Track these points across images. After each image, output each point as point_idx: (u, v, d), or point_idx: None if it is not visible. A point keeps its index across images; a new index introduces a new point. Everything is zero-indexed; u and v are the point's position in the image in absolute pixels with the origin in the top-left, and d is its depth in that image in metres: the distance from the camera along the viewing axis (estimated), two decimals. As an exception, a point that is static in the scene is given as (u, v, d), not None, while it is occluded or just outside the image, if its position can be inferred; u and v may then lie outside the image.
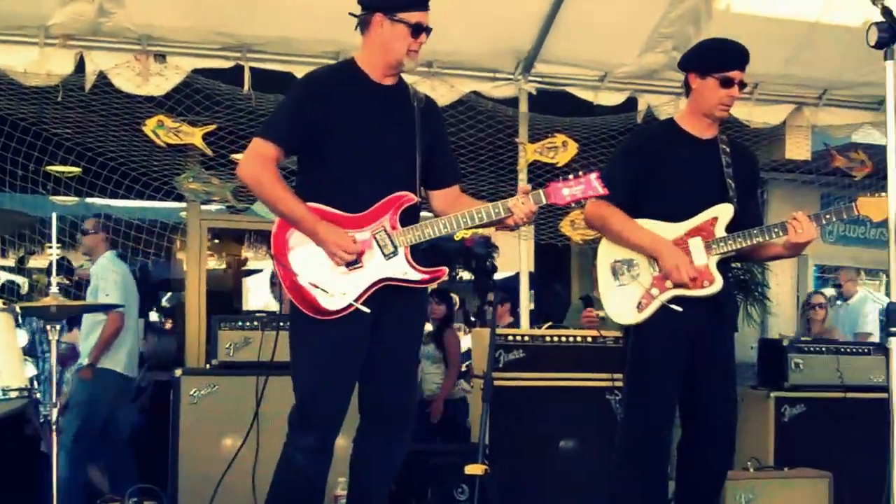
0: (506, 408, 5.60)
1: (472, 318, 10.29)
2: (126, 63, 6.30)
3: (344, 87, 3.89)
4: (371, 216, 3.84)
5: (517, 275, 7.27)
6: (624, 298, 4.31)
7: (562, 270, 10.92)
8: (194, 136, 6.49)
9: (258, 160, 3.82)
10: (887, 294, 3.51)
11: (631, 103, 7.25)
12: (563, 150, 7.08)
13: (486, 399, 5.28)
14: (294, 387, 3.89)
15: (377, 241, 3.83)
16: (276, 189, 3.80)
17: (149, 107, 6.58)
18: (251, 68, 6.42)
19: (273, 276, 7.11)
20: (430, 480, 5.35)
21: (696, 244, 4.26)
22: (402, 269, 3.84)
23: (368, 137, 3.84)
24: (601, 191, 3.88)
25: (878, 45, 3.28)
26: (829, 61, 6.97)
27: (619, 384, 5.79)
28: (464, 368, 8.31)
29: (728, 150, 4.40)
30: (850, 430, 5.79)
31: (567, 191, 3.87)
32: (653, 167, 4.33)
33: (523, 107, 7.05)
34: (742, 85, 4.33)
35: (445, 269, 4.01)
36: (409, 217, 3.89)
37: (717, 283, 4.24)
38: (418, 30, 3.86)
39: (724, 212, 4.29)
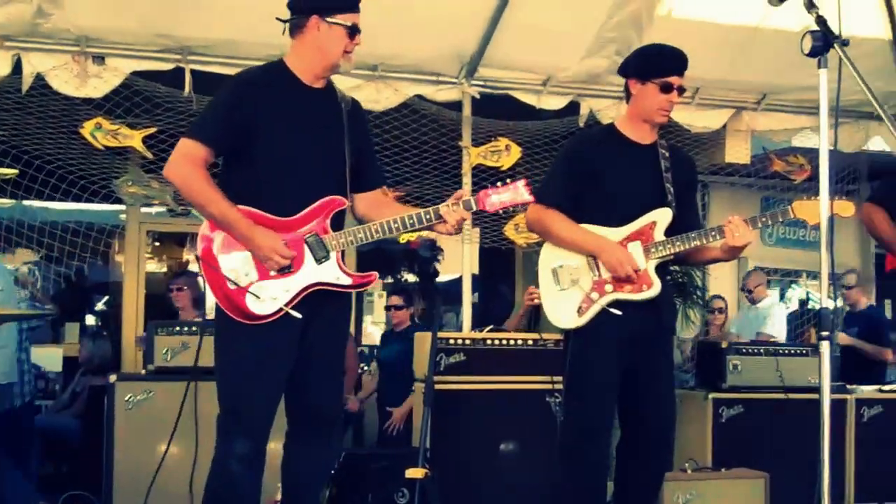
0: (446, 411, 5.61)
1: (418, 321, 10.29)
2: (64, 65, 6.22)
3: (275, 89, 3.86)
4: (302, 220, 3.82)
5: (461, 277, 7.27)
6: (565, 303, 4.34)
7: (507, 272, 10.96)
8: (133, 138, 6.43)
9: (187, 161, 3.75)
10: (833, 297, 3.58)
11: (573, 107, 7.29)
12: (506, 153, 7.11)
13: (426, 403, 5.30)
14: (220, 394, 3.84)
15: (308, 246, 3.82)
16: (207, 191, 3.74)
17: (87, 109, 6.51)
18: (192, 70, 6.37)
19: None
20: (370, 485, 5.34)
21: (635, 248, 4.30)
22: (333, 273, 3.84)
23: (299, 140, 3.82)
24: (528, 197, 3.94)
25: (812, 54, 3.33)
26: (768, 66, 7.04)
27: (559, 387, 5.85)
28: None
29: (667, 154, 4.44)
30: (787, 431, 5.86)
31: (496, 198, 3.91)
32: (592, 172, 4.36)
33: (467, 110, 7.06)
34: (681, 90, 4.37)
35: (376, 274, 4.02)
36: (337, 221, 3.90)
37: (656, 287, 4.28)
38: (354, 31, 3.86)
39: (662, 216, 4.33)
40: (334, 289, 3.86)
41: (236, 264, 3.77)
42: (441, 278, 9.70)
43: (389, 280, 11.47)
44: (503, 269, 10.91)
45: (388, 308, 7.97)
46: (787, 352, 6.40)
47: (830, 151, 7.51)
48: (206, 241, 3.80)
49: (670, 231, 4.32)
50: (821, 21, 3.35)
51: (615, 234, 4.32)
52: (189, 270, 7.93)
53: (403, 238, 10.19)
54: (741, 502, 5.35)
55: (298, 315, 3.77)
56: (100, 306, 11.34)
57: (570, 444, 4.34)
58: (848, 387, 7.05)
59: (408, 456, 5.33)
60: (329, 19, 3.82)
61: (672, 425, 4.49)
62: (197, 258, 3.85)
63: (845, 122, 7.58)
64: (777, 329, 8.61)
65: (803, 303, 11.38)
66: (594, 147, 4.49)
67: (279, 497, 4.88)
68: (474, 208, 3.91)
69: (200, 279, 3.84)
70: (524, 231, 7.10)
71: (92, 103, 6.47)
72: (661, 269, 4.36)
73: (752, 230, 4.24)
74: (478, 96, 7.04)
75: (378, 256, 11.01)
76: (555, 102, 7.21)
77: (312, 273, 3.82)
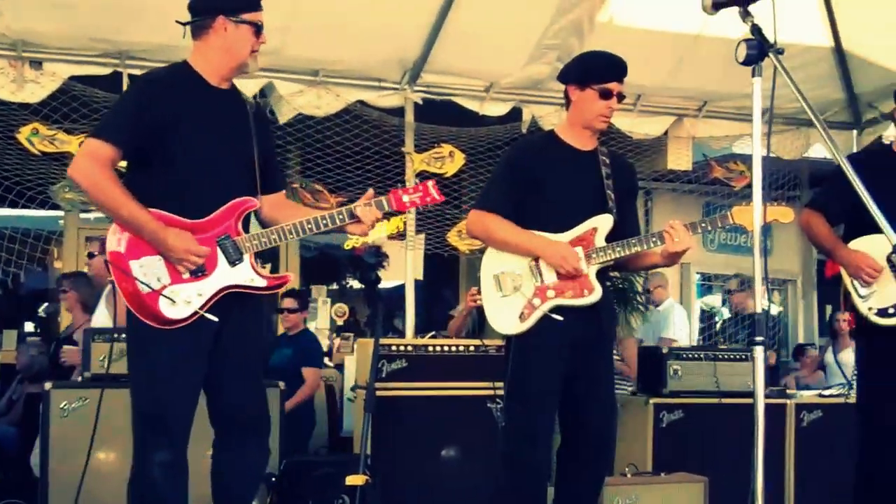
0: (388, 417, 5.61)
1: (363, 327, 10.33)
2: (0, 69, 6.13)
3: (182, 90, 3.80)
4: (213, 222, 3.77)
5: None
6: (507, 309, 4.33)
7: (451, 278, 10.97)
8: (71, 144, 6.34)
9: (94, 162, 3.64)
10: (781, 304, 3.62)
11: (516, 113, 7.31)
12: (450, 160, 7.12)
13: (367, 409, 5.29)
14: (136, 401, 3.78)
15: (221, 248, 3.78)
16: (116, 193, 3.64)
17: (24, 114, 6.42)
18: (129, 75, 6.30)
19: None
20: (310, 492, 5.30)
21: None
22: (248, 275, 3.81)
23: (208, 141, 3.77)
24: (437, 197, 4.05)
25: (747, 62, 3.35)
26: (709, 74, 7.10)
27: (501, 392, 5.85)
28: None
29: (608, 161, 4.45)
30: (725, 435, 5.89)
31: (407, 198, 4.01)
32: (533, 179, 4.37)
33: (409, 116, 7.07)
34: (620, 97, 4.39)
35: (290, 276, 4.07)
36: (246, 223, 3.88)
37: (597, 293, 4.30)
38: (260, 29, 3.85)
39: (603, 222, 4.34)
40: (248, 291, 3.83)
41: (148, 268, 3.70)
42: (385, 284, 9.68)
43: (335, 286, 11.43)
44: (447, 275, 10.93)
45: (280, 311, 7.90)
46: (726, 357, 6.45)
47: (771, 158, 7.62)
48: (115, 245, 3.72)
49: (611, 237, 4.33)
50: (756, 30, 3.37)
51: (555, 239, 4.33)
52: (78, 272, 7.71)
53: (348, 244, 10.21)
54: (680, 506, 5.39)
55: (215, 318, 3.73)
56: (40, 313, 11.19)
57: (511, 449, 4.34)
58: (788, 391, 7.14)
59: (349, 463, 5.32)
60: (236, 19, 3.80)
61: (612, 430, 4.50)
62: (106, 263, 3.77)
63: (786, 129, 7.69)
64: (678, 332, 8.66)
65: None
66: (535, 154, 4.49)
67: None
68: (387, 208, 3.97)
69: (90, 281, 3.78)
70: (467, 238, 7.10)
71: (29, 108, 6.39)
72: (602, 274, 4.38)
73: (692, 235, 4.26)
74: (420, 102, 7.05)
75: (323, 263, 10.99)
76: (497, 109, 7.24)
77: (226, 275, 3.77)
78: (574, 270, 4.24)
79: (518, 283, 4.33)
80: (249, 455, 3.97)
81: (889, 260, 4.44)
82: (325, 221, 3.87)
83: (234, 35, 3.81)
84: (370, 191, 3.99)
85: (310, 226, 3.86)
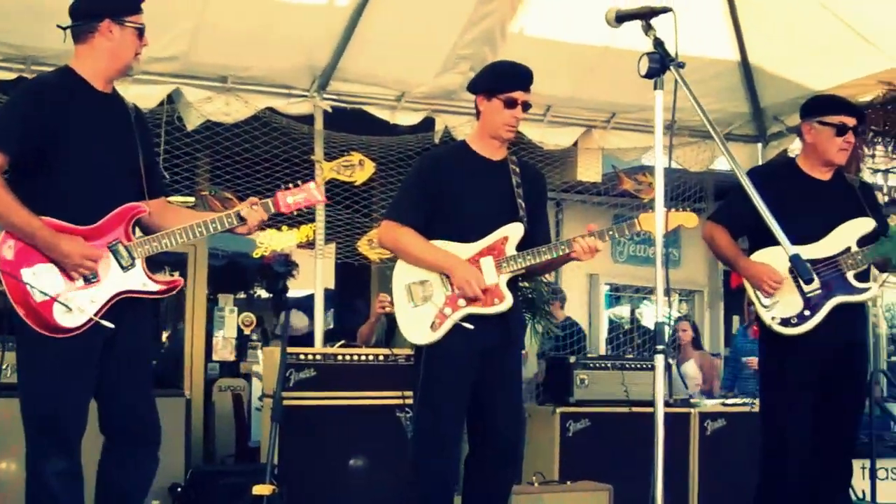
0: (296, 427, 5.57)
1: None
2: None
3: (70, 94, 3.79)
4: (103, 228, 3.77)
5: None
6: (419, 319, 4.33)
7: (363, 287, 10.93)
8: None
9: None
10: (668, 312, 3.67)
11: (428, 123, 7.30)
12: (360, 168, 7.06)
13: (274, 418, 5.24)
14: (27, 410, 3.72)
15: (113, 254, 3.77)
16: (7, 199, 3.61)
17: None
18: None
19: None
20: (216, 501, 5.24)
21: (487, 263, 4.31)
22: (140, 280, 3.82)
23: (97, 146, 3.76)
24: (320, 198, 4.22)
25: (649, 76, 3.41)
26: (616, 86, 7.14)
27: (410, 402, 5.84)
28: None
29: (518, 170, 4.48)
30: (632, 443, 5.93)
31: (291, 199, 4.08)
32: (444, 188, 4.38)
33: (319, 124, 7.01)
34: (526, 106, 4.41)
35: (181, 280, 4.09)
36: (136, 230, 3.89)
37: (508, 301, 4.32)
38: (142, 32, 3.86)
39: (514, 231, 4.36)
40: (141, 296, 3.83)
41: (41, 275, 3.66)
42: (296, 293, 9.60)
43: (242, 295, 11.30)
44: (359, 284, 10.88)
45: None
46: (632, 366, 6.53)
47: (677, 170, 7.73)
48: (5, 252, 3.66)
49: (522, 246, 4.36)
50: (658, 43, 3.42)
51: (467, 249, 4.34)
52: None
53: (257, 253, 10.10)
54: (585, 514, 5.43)
55: (111, 325, 3.71)
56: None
57: (418, 457, 4.33)
58: (692, 401, 7.25)
59: (256, 472, 5.26)
60: (121, 22, 3.81)
61: (520, 439, 4.54)
62: None
63: (692, 141, 7.79)
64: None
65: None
66: (445, 164, 4.51)
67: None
68: (272, 210, 4.03)
69: None
70: (377, 247, 7.08)
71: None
72: (513, 283, 4.39)
73: (600, 243, 4.31)
74: (330, 110, 7.00)
75: (231, 271, 10.86)
76: (409, 118, 7.22)
77: (119, 281, 3.78)
78: (475, 295, 4.25)
79: (429, 292, 4.34)
80: (139, 464, 3.94)
81: (791, 271, 4.53)
82: (214, 224, 3.93)
83: (120, 38, 3.81)
84: (255, 198, 4.06)
85: (200, 229, 3.91)
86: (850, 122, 4.76)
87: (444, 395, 4.31)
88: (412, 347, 5.91)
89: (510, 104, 4.35)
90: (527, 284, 6.81)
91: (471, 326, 4.27)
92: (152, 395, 4.05)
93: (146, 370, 4.03)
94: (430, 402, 4.33)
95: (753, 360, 7.96)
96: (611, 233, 4.44)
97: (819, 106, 4.90)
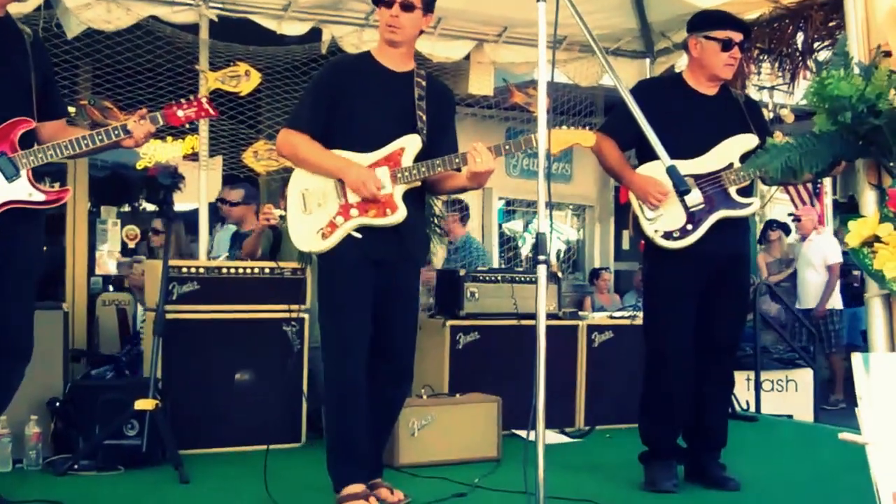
0: (179, 341, 5.50)
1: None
2: None
3: None
4: None
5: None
6: (309, 226, 4.31)
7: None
8: None
9: None
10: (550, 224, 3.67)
11: (315, 34, 7.15)
12: (245, 79, 6.87)
13: (157, 332, 5.16)
14: None
15: None
16: None
17: None
18: None
19: None
20: (97, 417, 5.13)
21: (382, 173, 4.27)
22: (26, 190, 3.87)
23: None
24: (212, 112, 4.30)
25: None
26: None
27: (297, 315, 5.81)
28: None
29: (423, 83, 4.44)
30: (521, 355, 5.99)
31: (182, 112, 4.21)
32: (342, 98, 4.33)
33: (204, 34, 6.79)
34: (393, 5, 4.32)
35: (69, 190, 4.12)
36: (27, 143, 3.91)
37: (401, 212, 4.28)
38: None
39: (411, 143, 4.32)
40: (28, 206, 3.86)
41: None
42: (182, 207, 9.42)
43: (127, 209, 11.05)
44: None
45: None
46: (522, 279, 6.57)
47: (568, 85, 7.73)
48: None
49: (423, 158, 4.31)
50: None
51: (364, 159, 4.29)
52: None
53: (141, 164, 9.88)
54: (475, 425, 5.48)
55: None
56: None
57: (330, 362, 4.31)
58: (580, 313, 7.35)
59: (138, 387, 5.19)
60: None
61: (411, 352, 4.53)
62: None
63: (582, 56, 7.78)
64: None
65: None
66: (346, 74, 4.44)
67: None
68: (161, 123, 4.14)
69: None
70: (264, 158, 6.99)
71: None
72: (411, 197, 4.35)
73: (494, 157, 4.28)
74: (216, 19, 6.79)
75: (114, 183, 10.60)
76: (296, 28, 7.04)
77: (4, 191, 3.81)
78: (371, 195, 4.21)
79: (322, 200, 4.31)
80: (10, 372, 3.99)
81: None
82: (100, 137, 3.99)
83: None
84: (143, 108, 4.14)
85: (85, 142, 3.96)
86: (737, 37, 4.79)
87: (341, 300, 4.30)
88: (299, 260, 5.89)
89: (387, 4, 4.32)
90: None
91: (359, 235, 4.24)
92: (32, 308, 4.07)
93: (30, 279, 4.05)
94: (328, 310, 4.34)
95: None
96: (506, 147, 4.42)
97: (705, 21, 4.91)
